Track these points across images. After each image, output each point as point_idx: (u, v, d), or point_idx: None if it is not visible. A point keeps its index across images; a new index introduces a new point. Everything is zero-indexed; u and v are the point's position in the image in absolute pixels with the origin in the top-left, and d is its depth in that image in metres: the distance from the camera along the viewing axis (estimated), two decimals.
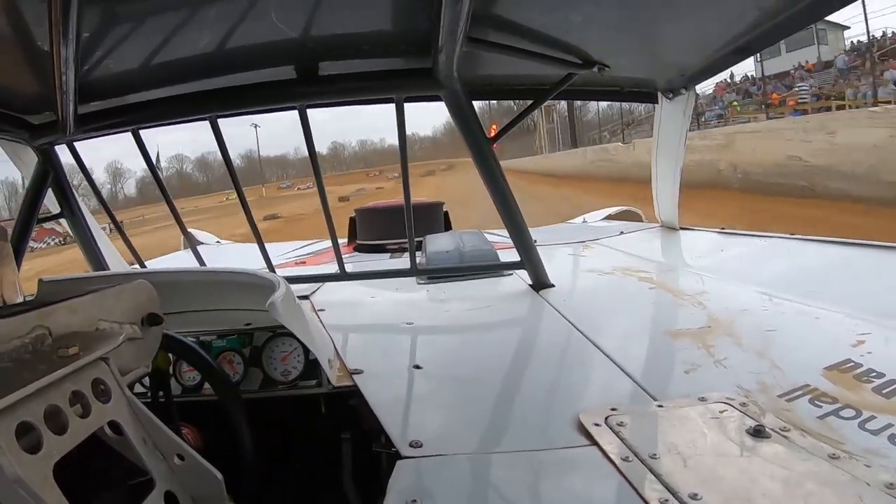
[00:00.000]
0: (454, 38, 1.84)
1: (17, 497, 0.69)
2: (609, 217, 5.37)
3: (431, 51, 2.02)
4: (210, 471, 0.92)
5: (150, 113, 2.29)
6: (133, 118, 2.28)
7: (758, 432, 1.15)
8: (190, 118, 2.36)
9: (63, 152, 2.39)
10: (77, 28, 1.55)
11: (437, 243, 3.16)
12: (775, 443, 1.13)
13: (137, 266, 2.68)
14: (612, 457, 1.12)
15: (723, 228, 3.32)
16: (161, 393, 1.59)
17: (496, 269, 2.74)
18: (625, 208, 5.42)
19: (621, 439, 1.18)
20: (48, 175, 2.37)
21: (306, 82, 2.22)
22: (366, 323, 2.26)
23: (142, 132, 2.36)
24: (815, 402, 1.29)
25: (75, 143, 2.35)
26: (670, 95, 2.75)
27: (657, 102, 2.85)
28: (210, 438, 1.57)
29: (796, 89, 22.96)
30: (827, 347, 1.54)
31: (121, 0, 1.60)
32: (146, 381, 1.85)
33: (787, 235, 2.83)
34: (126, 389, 0.94)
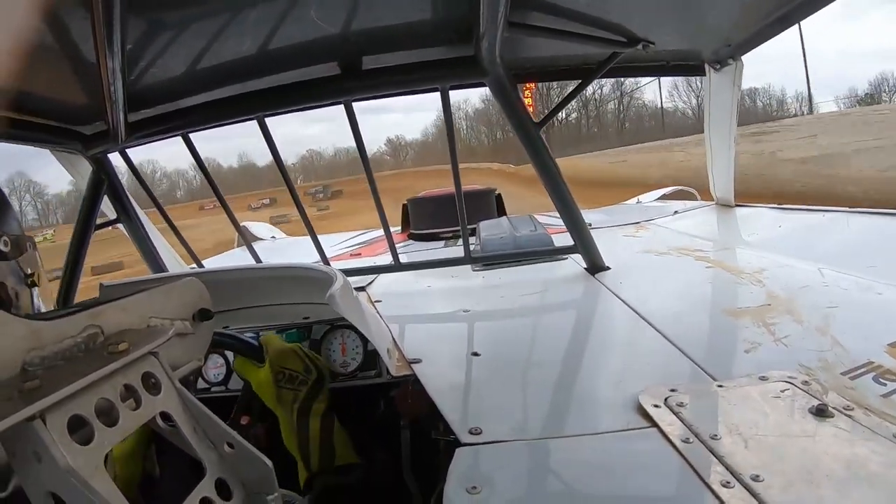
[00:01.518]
0: (495, 24, 1.84)
1: (70, 486, 0.72)
2: (664, 197, 5.30)
3: (473, 38, 2.02)
4: (259, 458, 0.93)
5: (198, 117, 2.33)
6: (182, 123, 2.32)
7: (820, 411, 1.12)
8: (237, 119, 2.39)
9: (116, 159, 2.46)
10: (122, 39, 1.60)
11: (491, 230, 3.16)
12: (839, 422, 1.10)
13: (195, 266, 2.74)
14: (673, 438, 1.10)
15: (780, 204, 3.24)
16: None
17: (550, 253, 2.72)
18: (679, 188, 5.35)
19: (681, 420, 1.16)
20: (103, 183, 2.43)
21: (350, 77, 2.23)
22: (422, 312, 2.27)
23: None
24: (880, 379, 1.25)
25: (127, 151, 2.40)
26: (717, 66, 2.69)
27: (704, 75, 2.79)
28: (273, 429, 1.59)
29: None
30: (890, 323, 1.50)
31: (162, 9, 1.64)
32: (207, 376, 1.92)
33: (847, 209, 2.76)
34: (176, 382, 0.96)
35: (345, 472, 1.43)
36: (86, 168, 2.43)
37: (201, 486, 0.88)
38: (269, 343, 1.59)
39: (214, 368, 1.97)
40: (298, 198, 2.59)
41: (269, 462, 0.93)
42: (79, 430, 0.77)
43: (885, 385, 1.22)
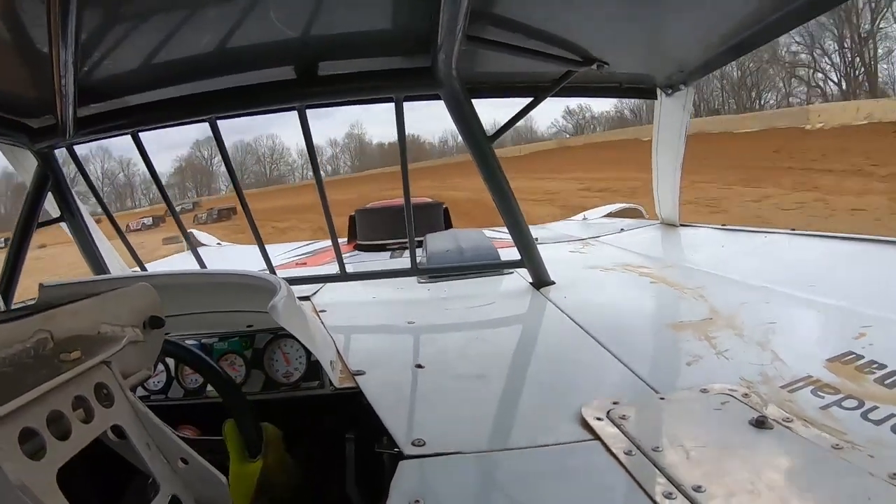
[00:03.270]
0: (453, 37, 1.85)
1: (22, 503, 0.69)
2: (610, 214, 5.37)
3: (430, 49, 2.03)
4: (214, 474, 0.92)
5: (150, 115, 2.29)
6: (132, 121, 2.28)
7: (760, 423, 1.15)
8: (189, 120, 2.36)
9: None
10: (76, 30, 1.55)
11: (438, 242, 3.16)
12: (778, 434, 1.13)
13: (138, 269, 2.68)
14: (615, 450, 1.12)
15: (724, 225, 3.32)
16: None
17: (497, 267, 2.74)
18: (626, 206, 5.43)
19: (624, 433, 1.18)
20: (48, 179, 2.37)
21: (306, 82, 2.23)
22: (367, 323, 2.26)
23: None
24: (818, 392, 1.29)
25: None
26: (669, 91, 2.76)
27: (656, 98, 2.85)
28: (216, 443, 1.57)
29: None
30: (829, 339, 1.55)
31: (119, 2, 1.60)
32: (148, 384, 1.87)
33: (789, 231, 2.84)
34: (129, 393, 0.94)
35: None
36: (31, 163, 2.36)
37: (155, 503, 0.86)
38: (270, 444, 1.51)
39: (155, 376, 1.92)
40: (247, 203, 2.56)
41: (224, 478, 0.92)
42: (29, 442, 0.74)
43: (823, 398, 1.26)
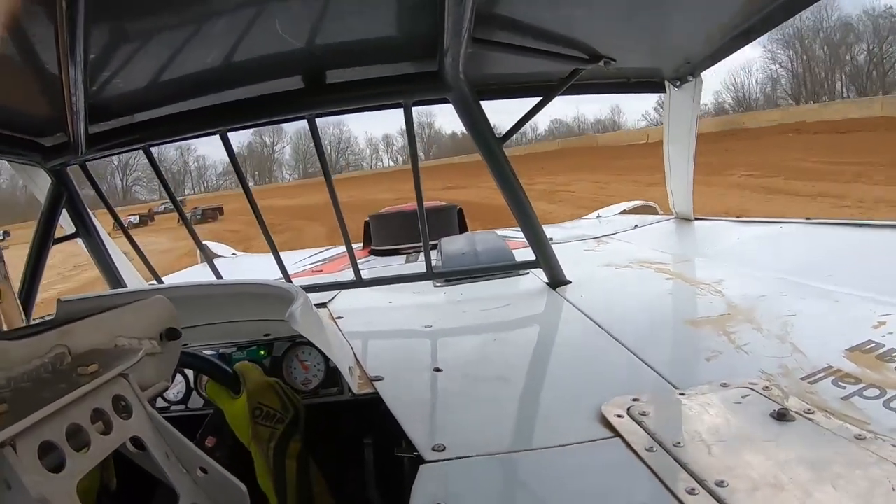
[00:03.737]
0: (459, 40, 1.85)
1: None
2: (624, 212, 5.36)
3: (437, 53, 2.03)
4: (234, 482, 0.92)
5: (161, 130, 2.30)
6: (143, 136, 2.29)
7: (782, 416, 1.14)
8: (200, 133, 2.37)
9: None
10: (84, 49, 1.57)
11: (453, 245, 3.17)
12: (800, 426, 1.12)
13: (155, 283, 2.70)
14: (636, 447, 1.11)
15: (738, 217, 3.30)
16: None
17: (512, 268, 2.74)
18: (640, 203, 5.42)
19: (644, 429, 1.17)
20: (62, 196, 2.39)
21: (314, 91, 2.23)
22: (384, 328, 2.26)
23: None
24: (839, 383, 1.28)
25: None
26: (677, 84, 2.74)
27: (664, 92, 2.84)
28: (236, 449, 1.58)
29: None
30: (848, 329, 1.53)
31: (126, 20, 1.61)
32: (167, 395, 1.88)
33: (803, 220, 2.82)
34: (147, 405, 0.94)
35: None
36: (45, 180, 2.38)
37: None
38: (246, 374, 1.56)
39: (174, 387, 1.94)
40: (260, 212, 2.57)
41: (243, 487, 0.92)
42: (49, 456, 0.75)
43: (844, 388, 1.25)
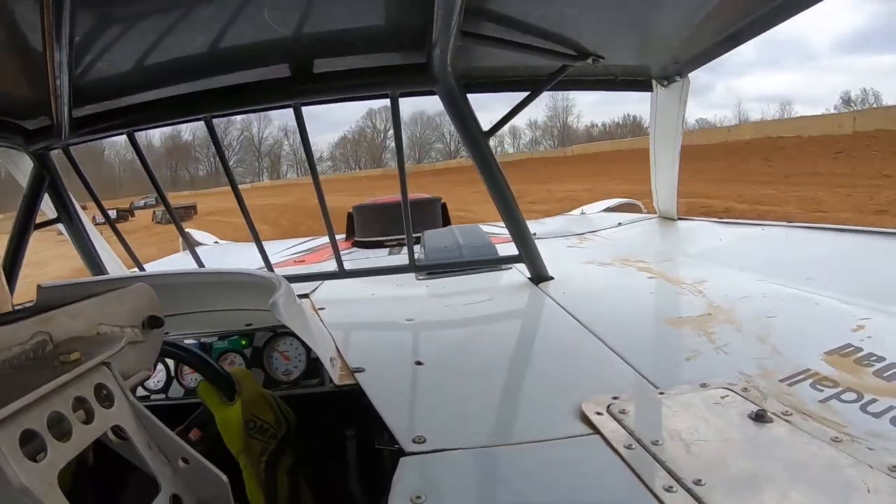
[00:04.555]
0: (448, 32, 1.85)
1: None
2: (608, 209, 5.38)
3: (425, 45, 2.03)
4: (215, 473, 0.91)
5: (145, 115, 2.28)
6: (128, 120, 2.27)
7: (760, 417, 1.15)
8: (185, 119, 2.36)
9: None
10: (70, 31, 1.54)
11: (436, 239, 3.17)
12: (777, 427, 1.13)
13: (136, 270, 2.68)
14: (615, 444, 1.12)
15: (721, 218, 3.33)
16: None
17: (494, 263, 2.75)
18: (624, 201, 5.44)
19: (624, 427, 1.18)
20: (44, 180, 2.37)
21: (301, 80, 2.22)
22: (366, 320, 2.26)
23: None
24: (817, 385, 1.29)
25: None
26: (665, 83, 2.75)
27: (651, 90, 2.85)
28: (216, 440, 1.57)
29: None
30: (827, 332, 1.55)
31: (113, 3, 1.59)
32: (148, 384, 1.88)
33: (786, 223, 2.85)
34: (129, 394, 0.94)
35: None
36: (27, 164, 2.36)
37: (156, 503, 0.86)
38: (242, 382, 1.55)
39: (155, 376, 1.92)
40: (243, 199, 2.55)
41: (224, 478, 0.92)
42: (30, 444, 0.74)
43: (822, 391, 1.27)
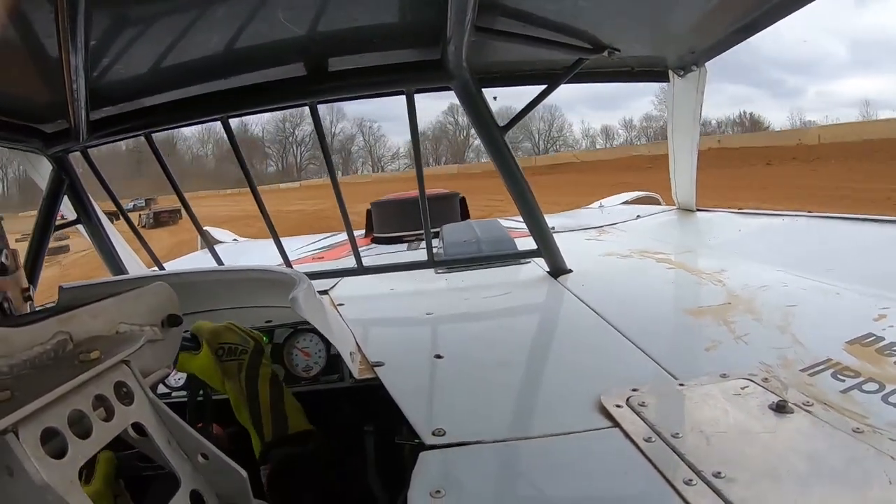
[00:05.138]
0: (462, 28, 1.84)
1: (45, 502, 0.70)
2: (626, 202, 5.36)
3: (440, 41, 2.02)
4: (234, 468, 0.92)
5: (162, 116, 2.30)
6: (145, 122, 2.29)
7: (780, 408, 1.14)
8: (202, 119, 2.38)
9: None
10: (85, 35, 1.56)
11: (454, 233, 3.17)
12: (798, 418, 1.12)
13: (156, 269, 2.70)
14: (635, 437, 1.12)
15: (740, 209, 3.30)
16: (201, 392, 1.62)
17: (513, 257, 2.74)
18: (643, 194, 5.42)
19: (643, 419, 1.18)
20: (63, 183, 2.39)
21: (316, 79, 2.23)
22: (386, 315, 2.27)
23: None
24: (838, 376, 1.28)
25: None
26: (681, 73, 2.73)
27: (668, 81, 2.83)
28: (237, 435, 1.58)
29: None
30: (848, 322, 1.53)
31: (127, 5, 1.60)
32: (169, 381, 1.89)
33: (805, 213, 2.82)
34: (148, 391, 0.95)
35: (300, 440, 1.43)
36: (46, 167, 2.38)
37: (176, 498, 0.86)
38: (200, 328, 1.57)
39: (176, 373, 1.94)
40: (261, 197, 2.56)
41: (243, 472, 0.93)
42: (51, 442, 0.75)
43: (843, 381, 1.26)
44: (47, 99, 1.94)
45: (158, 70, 2.00)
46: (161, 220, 36.13)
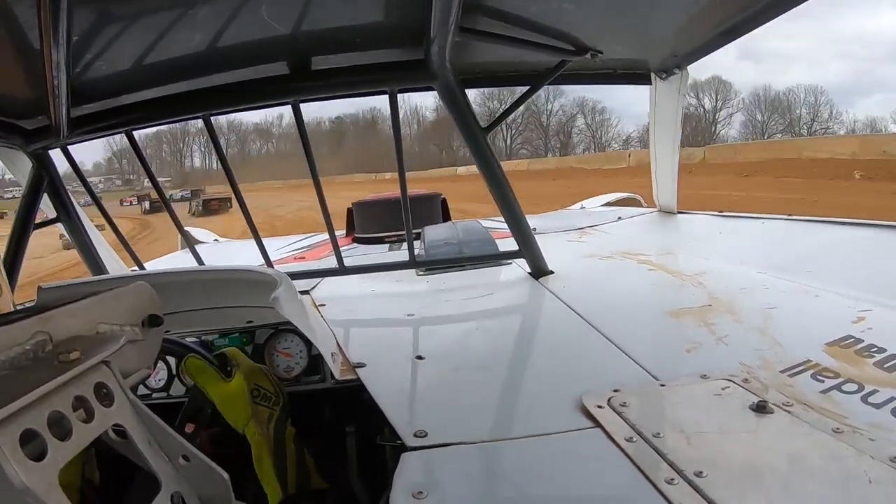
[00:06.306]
0: (446, 28, 1.84)
1: None
2: (608, 204, 5.38)
3: (423, 42, 2.02)
4: (216, 470, 0.92)
5: (144, 113, 2.28)
6: (126, 119, 2.26)
7: (761, 408, 1.16)
8: (183, 117, 2.36)
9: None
10: (67, 30, 1.54)
11: (436, 234, 3.18)
12: (778, 418, 1.14)
13: (137, 269, 2.68)
14: (616, 437, 1.13)
15: (721, 212, 3.33)
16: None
17: (495, 258, 2.74)
18: (624, 195, 5.44)
19: (625, 420, 1.19)
20: (43, 180, 2.36)
21: (299, 78, 2.22)
22: (367, 316, 2.26)
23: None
24: (818, 377, 1.30)
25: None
26: (663, 76, 2.75)
27: (650, 84, 2.84)
28: (218, 437, 1.58)
29: None
30: (827, 324, 1.55)
31: (111, 1, 1.59)
32: (149, 382, 1.88)
33: (786, 216, 2.84)
34: (129, 392, 0.94)
35: (319, 496, 1.47)
36: (26, 164, 2.35)
37: (157, 501, 0.86)
38: (237, 358, 1.57)
39: (156, 374, 1.93)
40: (242, 197, 2.55)
41: (225, 475, 0.92)
42: (30, 444, 0.74)
43: (822, 382, 1.27)
44: (28, 95, 1.92)
45: (141, 67, 1.97)
46: (211, 208, 37.92)
